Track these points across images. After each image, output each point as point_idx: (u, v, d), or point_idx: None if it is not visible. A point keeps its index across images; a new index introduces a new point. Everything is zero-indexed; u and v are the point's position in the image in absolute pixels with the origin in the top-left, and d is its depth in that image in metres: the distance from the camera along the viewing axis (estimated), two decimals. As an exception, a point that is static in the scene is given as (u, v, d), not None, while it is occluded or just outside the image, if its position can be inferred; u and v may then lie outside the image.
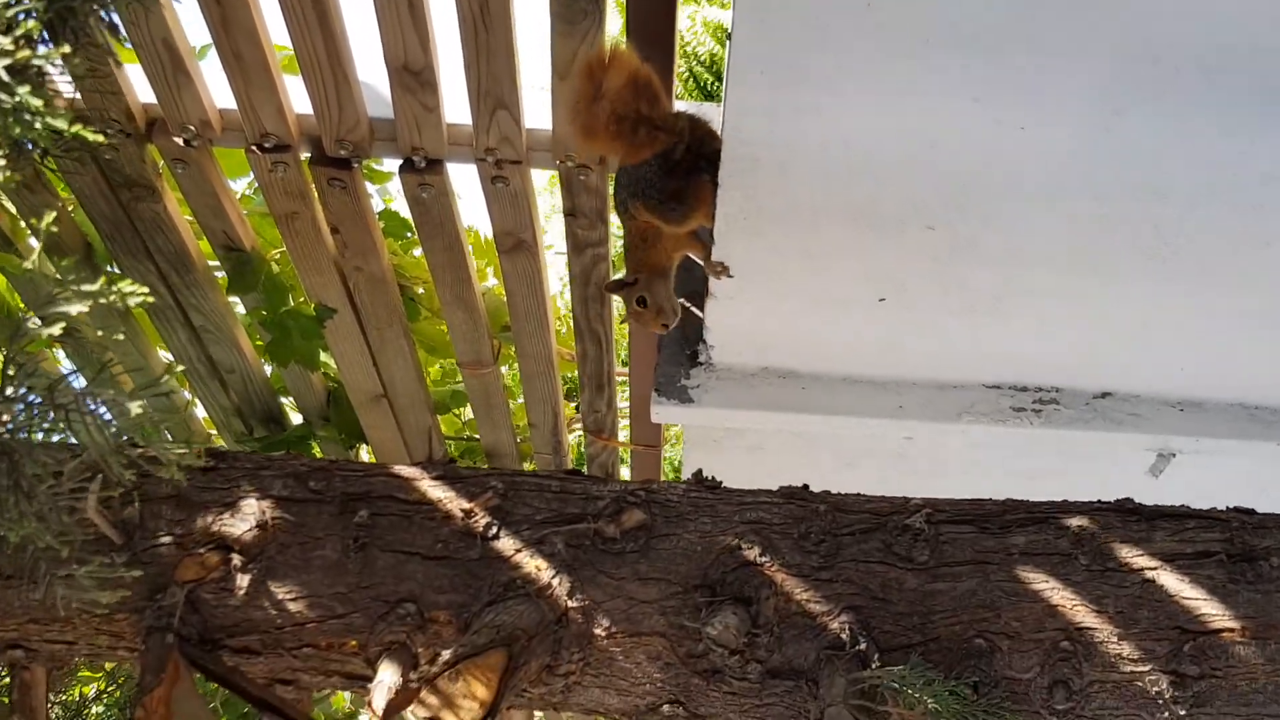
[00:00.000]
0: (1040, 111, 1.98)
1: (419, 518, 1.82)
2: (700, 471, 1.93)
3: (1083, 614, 1.71)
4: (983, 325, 2.48)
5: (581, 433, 3.88)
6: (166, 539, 1.79)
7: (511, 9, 2.45)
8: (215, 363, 3.64)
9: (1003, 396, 2.70)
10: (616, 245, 3.27)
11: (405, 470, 1.88)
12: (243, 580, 1.76)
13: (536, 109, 2.75)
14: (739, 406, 2.68)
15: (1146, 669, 1.69)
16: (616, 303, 3.37)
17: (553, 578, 1.76)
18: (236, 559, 1.77)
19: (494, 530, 1.80)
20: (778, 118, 2.04)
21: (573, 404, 4.02)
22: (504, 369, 3.74)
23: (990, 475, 2.97)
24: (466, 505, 1.82)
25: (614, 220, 2.83)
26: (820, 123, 2.04)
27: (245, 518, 1.79)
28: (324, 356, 3.68)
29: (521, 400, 3.78)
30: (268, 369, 3.83)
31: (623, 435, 3.91)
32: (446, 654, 1.65)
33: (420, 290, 3.58)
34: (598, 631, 1.75)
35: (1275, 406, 2.72)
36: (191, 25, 2.60)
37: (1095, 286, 2.34)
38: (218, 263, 3.30)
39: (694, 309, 2.67)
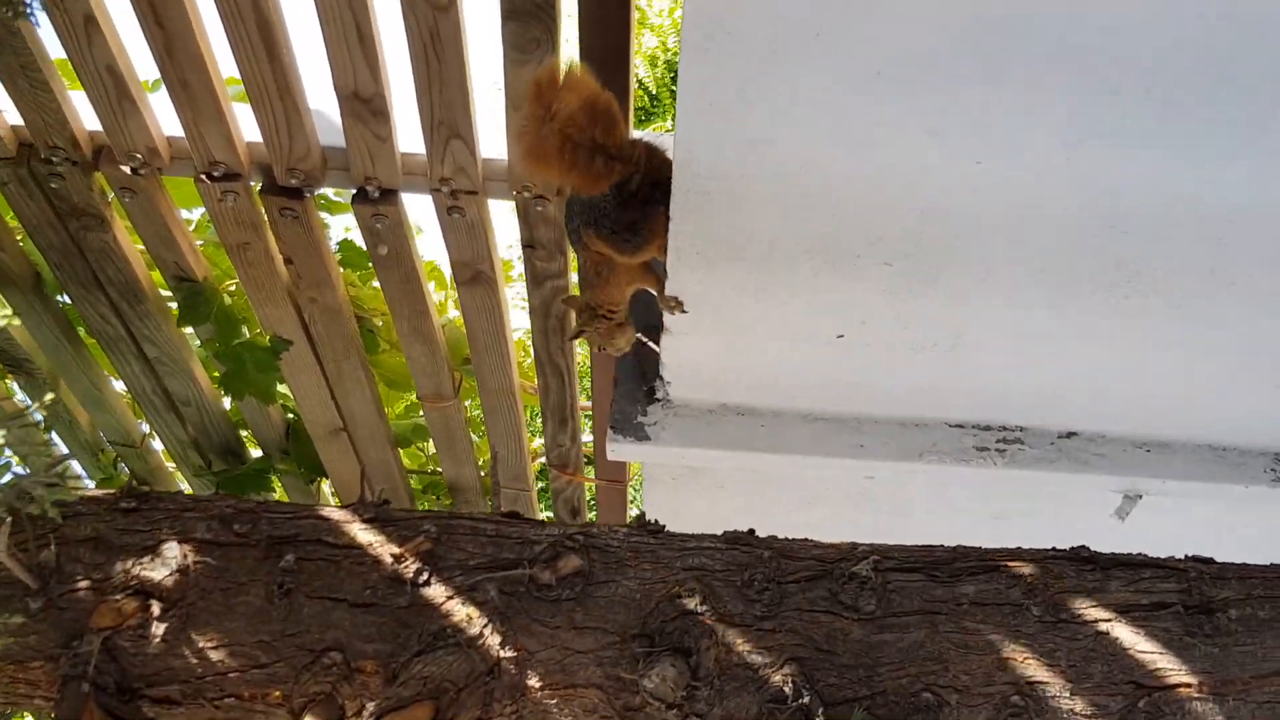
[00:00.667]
0: (997, 144, 1.92)
1: (347, 563, 1.75)
2: (643, 515, 1.86)
3: (1034, 667, 1.64)
4: (944, 362, 2.43)
5: (546, 467, 3.82)
6: (84, 583, 1.72)
7: (463, 37, 2.40)
8: (171, 395, 3.58)
9: (966, 435, 2.64)
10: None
11: (335, 513, 1.81)
12: (162, 628, 1.69)
13: (492, 139, 2.70)
14: (696, 445, 2.62)
15: (1100, 725, 1.63)
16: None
17: (484, 626, 1.69)
18: (155, 606, 1.69)
19: (425, 576, 1.73)
20: (728, 149, 1.98)
21: (537, 438, 3.96)
22: (466, 403, 3.68)
23: (955, 516, 2.91)
24: (397, 550, 1.75)
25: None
26: (773, 155, 1.98)
27: (166, 562, 1.72)
28: (282, 389, 3.62)
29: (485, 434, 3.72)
30: (225, 402, 3.76)
31: (589, 469, 3.85)
32: (370, 707, 1.58)
33: (379, 322, 3.52)
34: (531, 683, 1.68)
35: (1243, 447, 2.67)
36: (139, 52, 2.53)
37: (1058, 323, 2.28)
38: (170, 294, 3.24)
39: (650, 344, 2.61)
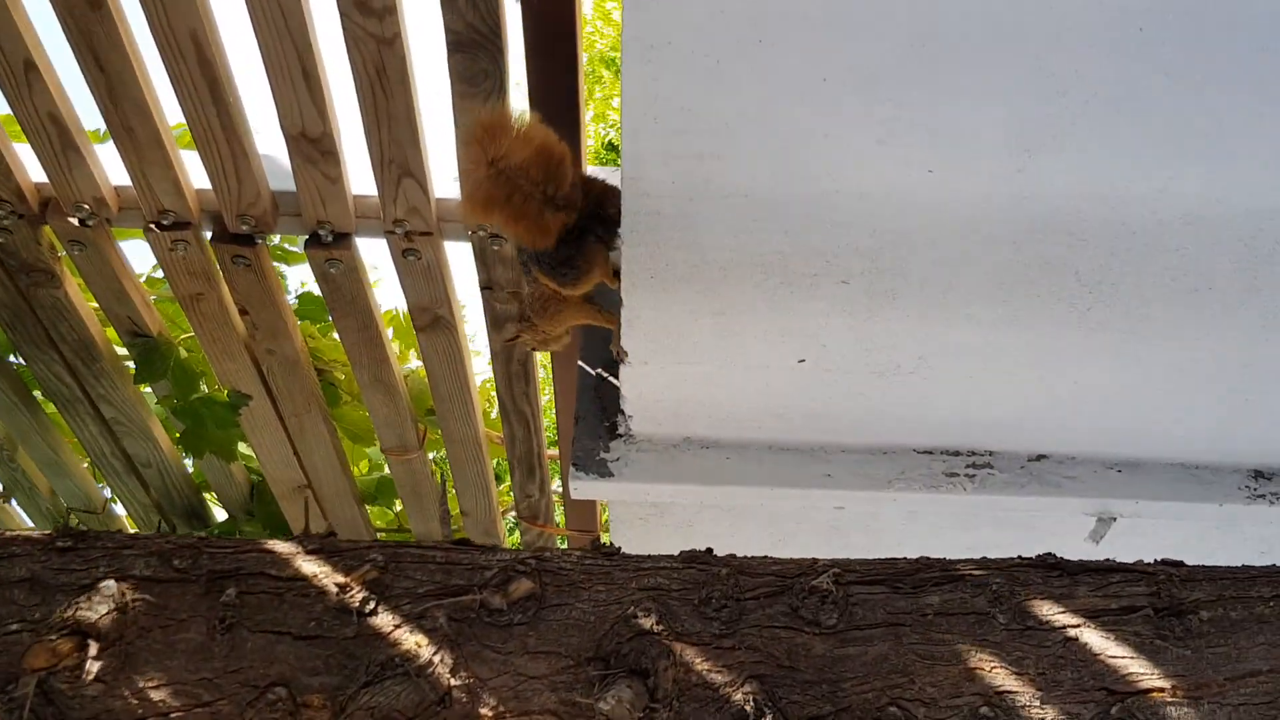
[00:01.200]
0: (948, 153, 1.90)
1: (291, 595, 1.69)
2: (598, 538, 1.81)
3: (1002, 677, 1.59)
4: (908, 386, 2.39)
5: (517, 520, 3.76)
6: (17, 625, 1.66)
7: (410, 72, 2.37)
8: (130, 457, 3.51)
9: (935, 462, 2.60)
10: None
11: (279, 545, 1.76)
12: (100, 668, 1.62)
13: (445, 178, 2.66)
14: (660, 480, 2.57)
15: (1073, 734, 1.57)
16: (543, 375, 3.27)
17: (434, 654, 1.63)
18: (93, 645, 1.63)
19: (371, 605, 1.67)
20: (676, 167, 1.95)
21: (505, 487, 3.90)
22: (431, 455, 3.62)
23: (927, 545, 2.85)
24: (342, 580, 1.69)
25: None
26: (721, 171, 1.95)
27: (103, 600, 1.66)
28: (244, 448, 3.56)
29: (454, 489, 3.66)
30: (188, 464, 3.70)
31: (559, 518, 3.79)
32: (315, 741, 1.52)
33: (340, 375, 3.47)
34: (484, 711, 1.62)
35: (1216, 465, 2.63)
36: (82, 100, 2.50)
37: (1021, 340, 2.25)
38: (126, 351, 3.19)
39: (610, 378, 2.57)
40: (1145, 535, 2.67)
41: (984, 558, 1.74)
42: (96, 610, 1.65)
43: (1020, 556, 1.74)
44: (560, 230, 2.11)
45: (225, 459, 3.37)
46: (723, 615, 1.66)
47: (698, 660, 1.62)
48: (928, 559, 1.74)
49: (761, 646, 1.64)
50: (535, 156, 2.01)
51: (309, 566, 1.72)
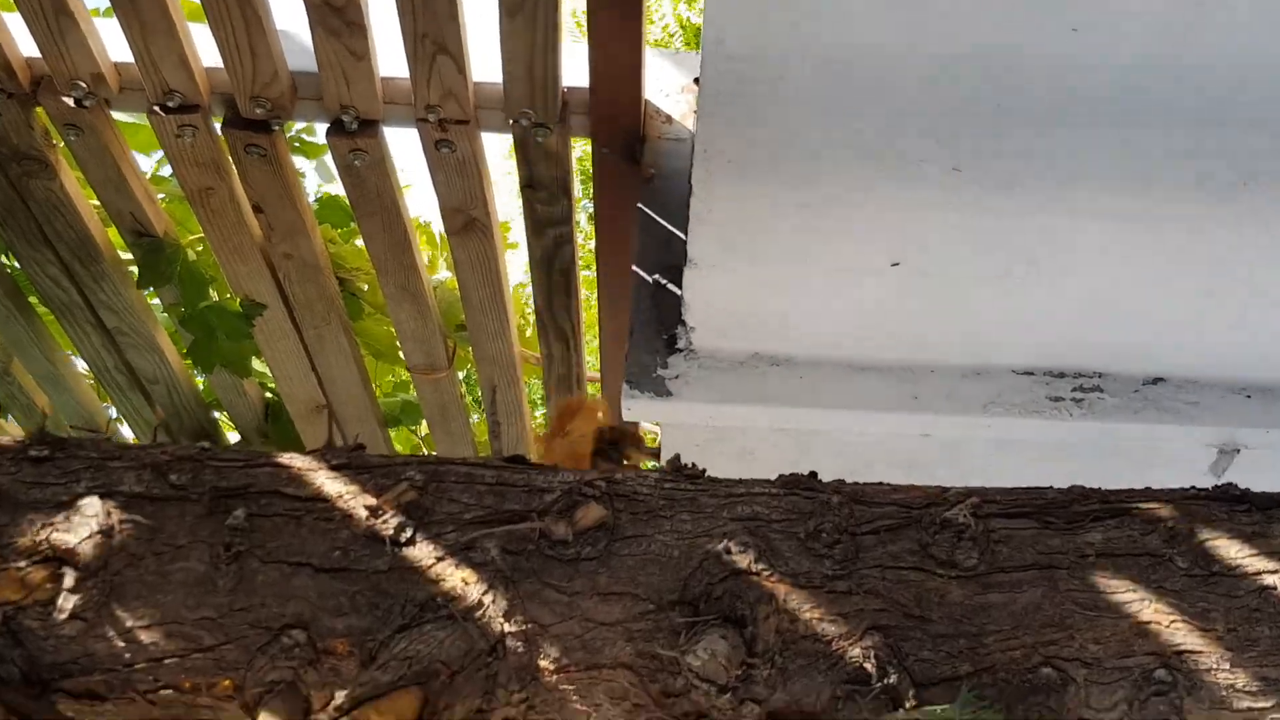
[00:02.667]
0: (1098, 6, 1.59)
1: (311, 519, 1.39)
2: (678, 457, 1.51)
3: (1183, 633, 1.29)
4: (1015, 295, 2.08)
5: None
6: (-19, 550, 1.37)
7: (449, -73, 2.06)
8: (135, 371, 3.23)
9: (1036, 384, 2.29)
10: (583, 223, 2.88)
11: (297, 460, 1.46)
12: (74, 600, 1.33)
13: (485, 60, 2.35)
14: (725, 400, 2.27)
15: (1269, 704, 1.28)
16: (586, 294, 2.98)
17: (484, 594, 1.34)
18: (70, 575, 1.34)
19: (408, 533, 1.37)
20: (767, 28, 1.64)
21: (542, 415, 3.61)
22: (461, 374, 3.33)
23: (1023, 479, 2.55)
24: (373, 502, 1.40)
25: (580, 194, 2.44)
26: (820, 30, 1.64)
27: (84, 522, 1.37)
28: (259, 365, 3.28)
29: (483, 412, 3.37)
30: (199, 381, 3.43)
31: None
32: (341, 697, 1.23)
33: (365, 286, 3.17)
34: (544, 664, 1.33)
35: (1360, 391, 2.32)
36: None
37: (1154, 240, 1.94)
38: (129, 255, 2.89)
39: (670, 285, 2.27)
40: (1274, 471, 2.36)
41: (1149, 488, 1.44)
42: (76, 533, 1.36)
43: (1195, 487, 1.43)
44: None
45: (238, 374, 3.08)
46: (835, 553, 1.36)
47: (806, 607, 1.33)
48: (1082, 488, 1.45)
49: (884, 591, 1.34)
50: (596, 433, 2.20)
51: (333, 485, 1.42)
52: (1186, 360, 2.25)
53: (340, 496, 1.41)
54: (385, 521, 1.38)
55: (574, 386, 3.15)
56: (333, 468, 1.44)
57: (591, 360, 3.24)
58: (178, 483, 1.41)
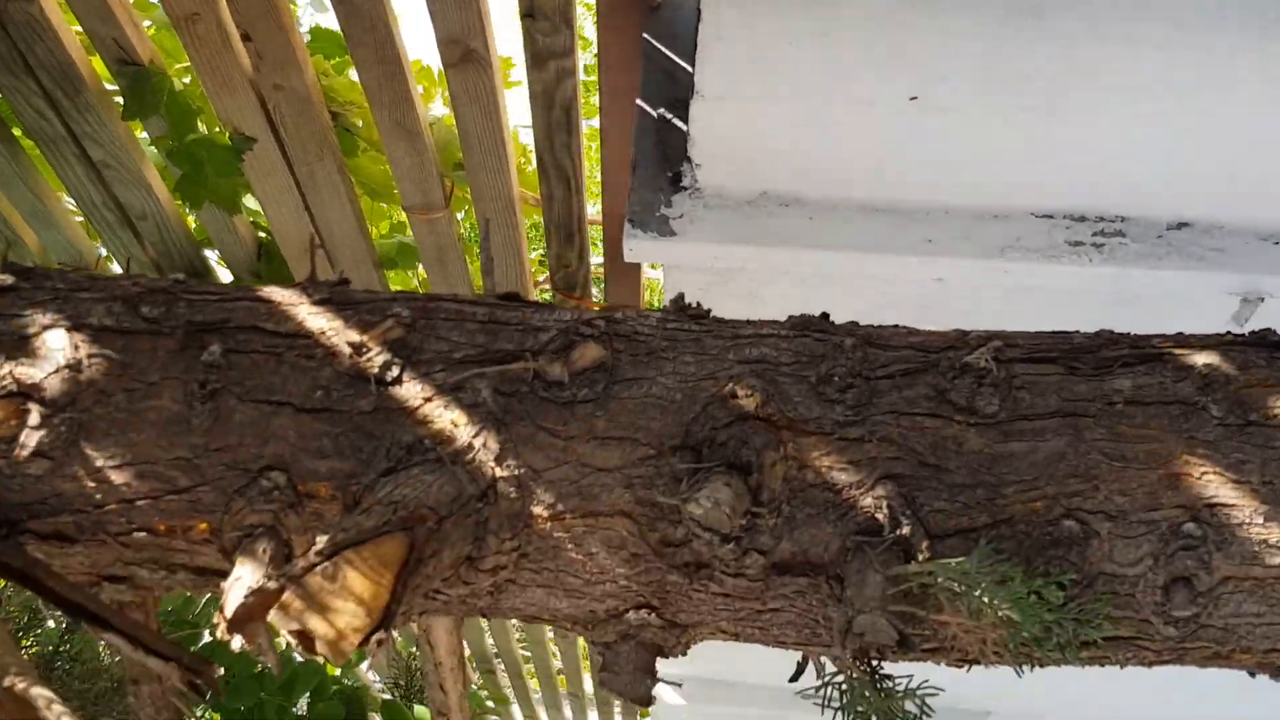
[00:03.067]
0: None
1: (292, 355, 1.31)
2: (682, 296, 1.43)
3: (1215, 485, 1.22)
4: (1036, 132, 1.97)
5: (550, 291, 3.38)
6: (-59, 384, 1.29)
7: None
8: (124, 207, 3.12)
9: (1056, 228, 2.19)
10: (587, 58, 2.75)
11: (276, 294, 1.38)
12: (43, 439, 1.26)
13: None
14: (731, 240, 2.17)
15: (1304, 561, 1.21)
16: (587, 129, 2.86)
17: (474, 437, 1.27)
18: (35, 412, 1.27)
19: (394, 372, 1.30)
20: None
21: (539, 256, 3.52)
22: (459, 215, 3.23)
23: (1041, 327, 2.47)
24: (357, 338, 1.31)
25: (583, 24, 2.31)
26: None
27: (50, 355, 1.29)
28: (252, 205, 3.18)
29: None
30: (190, 218, 3.32)
31: (597, 295, 3.42)
32: (322, 541, 1.16)
33: (359, 122, 3.05)
34: (538, 510, 1.26)
35: (1391, 240, 2.22)
36: None
37: (1186, 73, 1.83)
38: (115, 85, 2.77)
39: (676, 120, 2.16)
40: (1299, 321, 2.28)
41: (1181, 334, 1.36)
42: (42, 367, 1.28)
43: (1230, 333, 1.35)
44: None
45: (228, 210, 2.97)
46: (848, 398, 1.28)
47: (815, 454, 1.25)
48: (1111, 333, 1.36)
49: (898, 438, 1.26)
50: None
51: (315, 321, 1.34)
52: (1214, 204, 2.15)
53: (323, 333, 1.32)
54: (370, 359, 1.30)
55: (575, 229, 3.05)
56: (315, 303, 1.36)
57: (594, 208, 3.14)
58: (150, 315, 1.33)
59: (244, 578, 1.19)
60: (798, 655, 1.37)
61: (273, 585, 1.17)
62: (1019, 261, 2.16)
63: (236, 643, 1.16)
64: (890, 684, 1.22)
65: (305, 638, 1.10)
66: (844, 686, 1.23)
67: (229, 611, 1.16)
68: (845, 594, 1.20)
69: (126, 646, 1.26)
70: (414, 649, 3.47)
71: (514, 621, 5.26)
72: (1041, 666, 1.26)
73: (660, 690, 4.26)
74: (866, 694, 1.21)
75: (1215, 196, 2.13)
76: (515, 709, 5.96)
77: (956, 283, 2.28)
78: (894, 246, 2.18)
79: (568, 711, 6.06)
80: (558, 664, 5.62)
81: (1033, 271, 2.18)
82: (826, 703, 1.24)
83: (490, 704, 5.49)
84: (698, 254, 2.20)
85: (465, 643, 5.12)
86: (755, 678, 4.27)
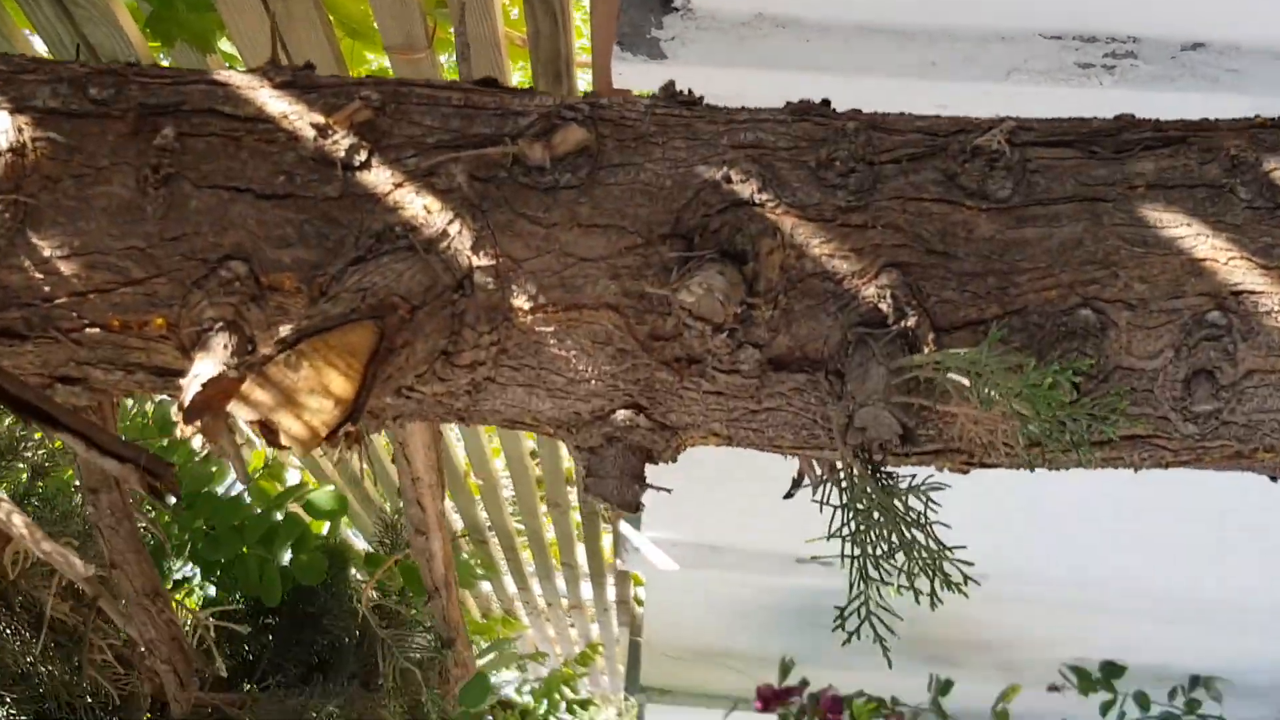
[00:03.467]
0: None
1: (252, 139, 1.22)
2: (672, 83, 1.33)
3: (1242, 271, 1.14)
4: (1048, -58, 1.87)
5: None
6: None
7: None
8: (94, 48, 3.00)
9: (1065, 50, 2.09)
10: (572, -122, 2.62)
11: (235, 77, 1.28)
12: (-16, 226, 1.17)
13: None
14: (725, 63, 2.08)
15: (1334, 352, 1.13)
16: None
17: (449, 224, 1.18)
18: (-23, 198, 1.18)
19: (362, 156, 1.20)
20: None
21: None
22: (443, 58, 3.11)
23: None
24: (322, 121, 1.22)
25: None
26: None
27: (-8, 138, 1.20)
28: (227, 49, 3.06)
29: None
30: (164, 61, 3.20)
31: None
32: (285, 329, 1.08)
33: (336, -44, 2.93)
34: (518, 303, 1.18)
35: None
36: None
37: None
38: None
39: (667, -66, 2.05)
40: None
41: (1207, 119, 1.27)
42: (-17, 152, 1.19)
43: (1259, 115, 1.26)
44: None
45: (201, 49, 2.85)
46: (850, 183, 1.19)
47: (815, 241, 1.17)
48: (1132, 116, 1.27)
49: (904, 225, 1.18)
50: None
51: (277, 104, 1.24)
52: (1231, 22, 2.05)
53: (285, 116, 1.23)
54: (336, 143, 1.21)
55: (563, 69, 2.94)
56: (277, 86, 1.26)
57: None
58: (99, 98, 1.23)
59: (202, 373, 1.11)
60: (793, 523, 1.31)
61: (232, 374, 1.09)
62: (1026, 85, 2.07)
63: (196, 440, 1.09)
64: (892, 481, 1.15)
65: (269, 430, 1.02)
66: (844, 484, 1.16)
67: (186, 400, 1.08)
68: (845, 389, 1.12)
69: (81, 447, 1.18)
70: (398, 511, 3.43)
71: (508, 493, 5.22)
72: (1053, 469, 1.19)
73: (652, 555, 4.22)
74: (869, 489, 1.13)
75: (1231, 15, 2.03)
76: (507, 579, 5.95)
77: (960, 110, 2.17)
78: (895, 69, 2.08)
79: (560, 583, 6.04)
80: (550, 535, 5.59)
81: (1040, 96, 2.08)
82: (826, 500, 1.18)
83: (481, 572, 5.47)
84: (690, 78, 2.08)
85: (457, 512, 5.08)
86: (747, 544, 4.23)
